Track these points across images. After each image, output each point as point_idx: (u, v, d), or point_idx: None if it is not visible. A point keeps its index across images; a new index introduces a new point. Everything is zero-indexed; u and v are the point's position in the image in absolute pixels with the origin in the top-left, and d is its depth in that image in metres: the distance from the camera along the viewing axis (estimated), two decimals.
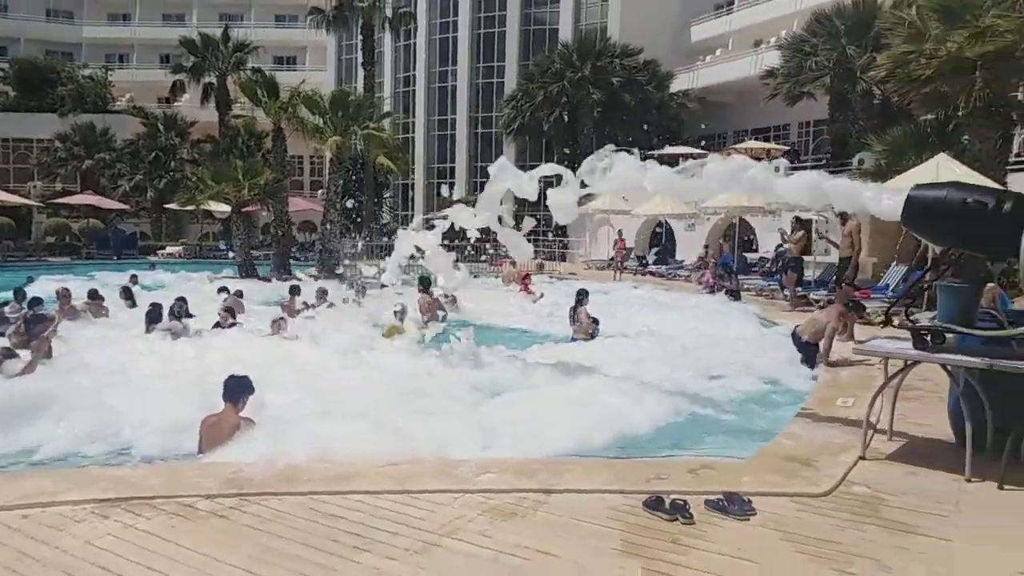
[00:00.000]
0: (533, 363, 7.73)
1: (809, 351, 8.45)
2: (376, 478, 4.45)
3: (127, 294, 13.59)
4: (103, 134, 38.13)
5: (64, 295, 11.44)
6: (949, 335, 4.85)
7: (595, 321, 10.85)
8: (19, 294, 11.32)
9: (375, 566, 3.41)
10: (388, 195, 41.46)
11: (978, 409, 4.92)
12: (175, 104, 39.48)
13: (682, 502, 4.08)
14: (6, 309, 10.46)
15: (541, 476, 4.48)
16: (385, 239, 26.87)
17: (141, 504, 4.05)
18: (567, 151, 28.71)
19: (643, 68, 33.57)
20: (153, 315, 10.02)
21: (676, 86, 35.29)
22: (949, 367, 5.04)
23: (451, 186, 10.39)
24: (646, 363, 8.10)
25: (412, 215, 41.71)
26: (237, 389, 5.49)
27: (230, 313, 10.33)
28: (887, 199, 5.16)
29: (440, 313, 12.31)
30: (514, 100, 34.85)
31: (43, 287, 13.88)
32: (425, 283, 12.19)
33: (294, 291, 13.78)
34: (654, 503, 4.11)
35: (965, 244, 4.75)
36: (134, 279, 16.40)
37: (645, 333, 10.82)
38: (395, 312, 11.04)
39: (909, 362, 5.13)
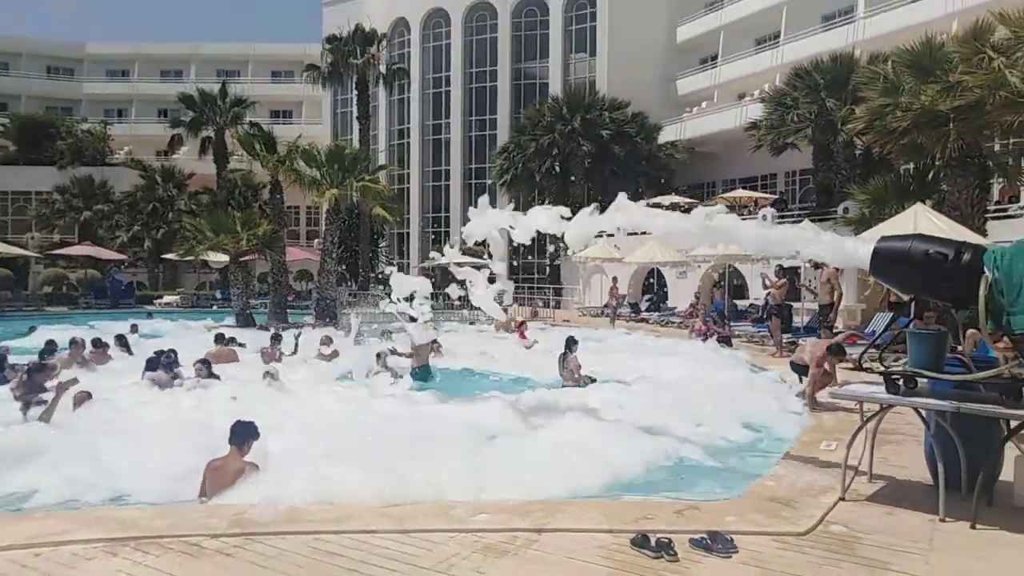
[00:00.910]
0: (526, 408, 7.92)
1: (806, 370, 9.08)
2: (375, 518, 4.63)
3: (123, 342, 13.75)
4: (101, 186, 38.71)
5: (78, 344, 11.69)
6: (922, 379, 5.11)
7: (584, 374, 11.12)
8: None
9: None
10: (384, 244, 41.94)
11: (951, 451, 5.15)
12: (173, 157, 40.19)
13: (667, 540, 4.27)
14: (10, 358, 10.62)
15: (534, 516, 4.68)
16: (381, 287, 27.17)
17: (149, 543, 4.22)
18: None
19: (631, 120, 34.45)
20: (152, 363, 10.19)
21: (664, 137, 36.17)
22: (920, 410, 5.29)
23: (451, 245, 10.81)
24: (636, 408, 8.29)
25: (408, 263, 42.51)
26: (243, 434, 5.67)
27: (205, 365, 10.35)
28: (861, 249, 5.47)
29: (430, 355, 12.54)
30: (506, 152, 35.63)
31: (43, 336, 14.03)
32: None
33: (275, 340, 13.97)
34: (641, 541, 4.30)
35: (929, 293, 5.05)
36: (134, 328, 16.60)
37: (636, 379, 11.05)
38: (378, 356, 11.37)
39: (884, 406, 5.37)
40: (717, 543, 4.31)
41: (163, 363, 10.44)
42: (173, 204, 37.46)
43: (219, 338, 13.83)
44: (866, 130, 16.56)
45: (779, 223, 21.72)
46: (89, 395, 8.08)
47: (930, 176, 16.42)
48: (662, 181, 35.28)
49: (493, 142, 40.56)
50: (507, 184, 35.56)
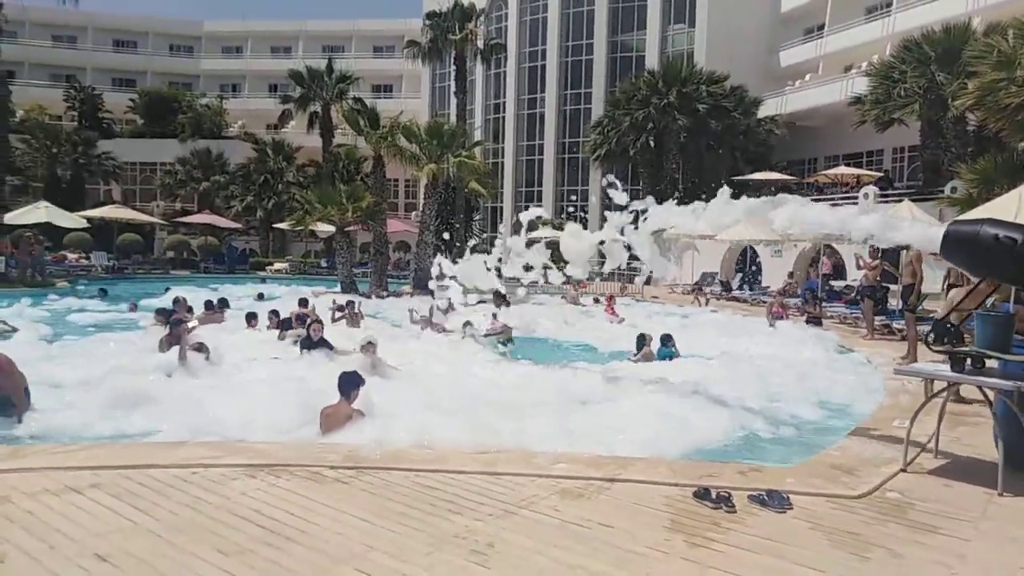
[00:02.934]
0: (611, 377, 8.43)
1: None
2: (466, 461, 5.32)
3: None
4: (218, 158, 41.49)
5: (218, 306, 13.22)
6: (990, 360, 5.30)
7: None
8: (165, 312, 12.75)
9: (465, 524, 4.25)
10: (478, 217, 42.99)
11: (1015, 431, 5.32)
12: (282, 131, 42.52)
13: (727, 494, 4.73)
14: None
15: (607, 468, 5.23)
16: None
17: (280, 469, 5.06)
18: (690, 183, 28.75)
19: (730, 94, 33.74)
20: (286, 323, 11.35)
21: (764, 111, 35.24)
22: (986, 390, 5.47)
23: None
24: (715, 382, 8.65)
25: (500, 236, 43.39)
26: (349, 383, 6.51)
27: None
28: (932, 232, 5.65)
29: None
30: (600, 126, 35.66)
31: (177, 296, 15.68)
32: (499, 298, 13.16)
33: (302, 303, 14.80)
34: (702, 493, 4.78)
35: (997, 275, 5.21)
36: (260, 297, 18.12)
37: (718, 355, 11.34)
38: (464, 326, 12.19)
39: (950, 384, 5.57)
40: (773, 500, 4.73)
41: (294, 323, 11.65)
42: (282, 176, 39.78)
43: (208, 304, 14.63)
44: (977, 105, 15.90)
45: (881, 202, 21.14)
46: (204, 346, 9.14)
47: None
48: (759, 156, 34.49)
49: (587, 116, 40.59)
50: (601, 159, 35.65)
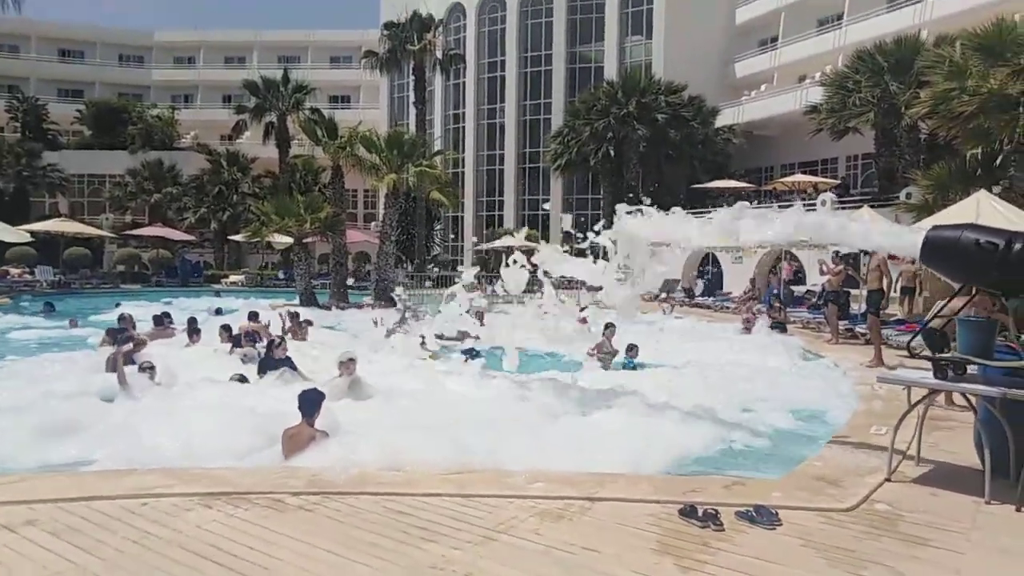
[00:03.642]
0: (581, 388, 8.19)
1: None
2: (438, 483, 5.01)
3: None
4: (170, 170, 40.36)
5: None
6: (971, 366, 5.21)
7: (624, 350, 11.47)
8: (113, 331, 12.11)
9: (441, 554, 3.95)
10: (439, 227, 42.63)
11: (999, 437, 5.24)
12: (237, 141, 41.57)
13: (714, 511, 4.52)
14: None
15: (586, 486, 4.99)
16: (436, 269, 27.72)
17: (239, 498, 4.69)
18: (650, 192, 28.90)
19: (688, 104, 34.13)
20: (237, 340, 10.82)
21: (721, 121, 35.74)
22: (969, 396, 5.38)
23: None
24: (686, 392, 8.50)
25: (461, 245, 43.11)
26: (309, 402, 6.12)
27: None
28: (909, 237, 5.58)
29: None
30: (560, 136, 35.73)
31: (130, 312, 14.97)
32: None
33: (252, 317, 14.28)
34: (688, 511, 4.57)
35: (978, 281, 5.13)
36: (219, 311, 17.42)
37: (686, 363, 11.24)
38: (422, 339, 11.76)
39: (931, 391, 5.48)
40: (762, 516, 4.54)
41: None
42: (237, 187, 38.89)
43: (158, 320, 14.01)
44: (930, 114, 16.19)
45: (838, 208, 21.48)
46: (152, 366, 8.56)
47: (997, 162, 15.96)
48: (718, 165, 34.91)
49: (548, 126, 40.66)
50: (561, 168, 35.68)
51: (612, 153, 33.78)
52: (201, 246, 39.86)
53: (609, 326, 11.70)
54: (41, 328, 16.27)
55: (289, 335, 12.72)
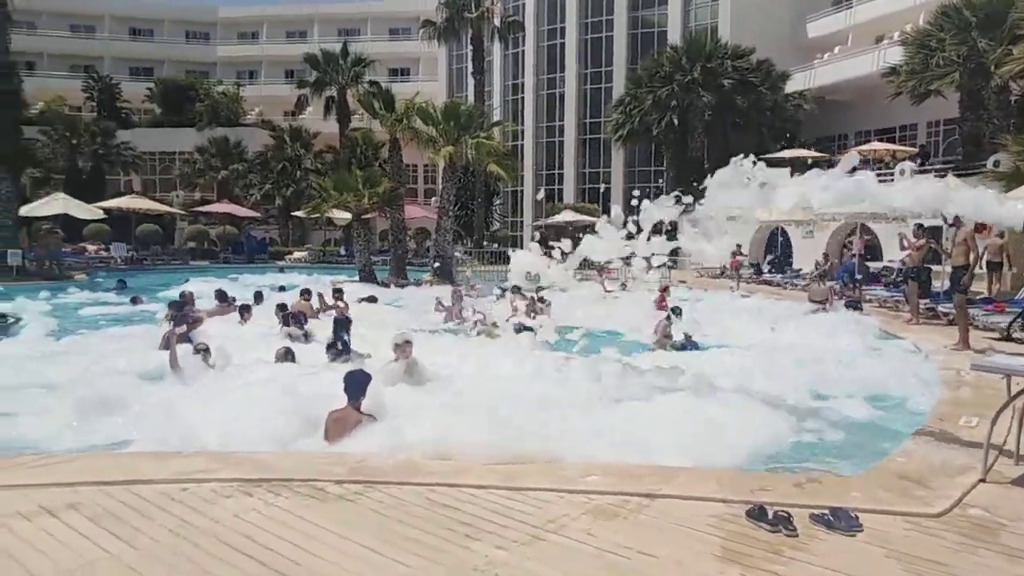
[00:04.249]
0: (643, 371, 7.78)
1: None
2: (486, 473, 4.75)
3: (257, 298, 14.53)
4: (236, 146, 41.15)
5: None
6: None
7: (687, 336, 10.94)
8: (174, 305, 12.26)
9: (485, 554, 3.68)
10: (498, 202, 42.33)
11: None
12: (300, 117, 42.07)
13: (785, 514, 4.12)
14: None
15: (645, 481, 4.63)
16: (495, 245, 27.53)
17: (280, 485, 4.53)
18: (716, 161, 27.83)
19: (756, 68, 32.69)
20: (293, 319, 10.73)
21: (792, 86, 34.14)
22: None
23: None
24: (753, 375, 8.00)
25: (521, 221, 42.73)
26: (356, 384, 5.92)
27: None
28: (1010, 207, 4.97)
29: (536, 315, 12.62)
30: (622, 105, 34.76)
31: (197, 287, 15.29)
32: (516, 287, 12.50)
33: (304, 295, 14.09)
34: (757, 513, 4.17)
35: None
36: (283, 289, 17.57)
37: (754, 344, 10.70)
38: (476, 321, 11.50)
39: None
40: (840, 520, 4.11)
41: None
42: (300, 163, 39.39)
43: (221, 296, 14.06)
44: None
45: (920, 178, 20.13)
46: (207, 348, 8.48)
47: None
48: (788, 134, 33.43)
49: (609, 95, 39.66)
50: (623, 139, 34.79)
51: (676, 122, 32.71)
52: (266, 222, 40.67)
53: (676, 312, 11.20)
54: (112, 304, 16.74)
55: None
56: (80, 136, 39.79)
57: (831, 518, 4.13)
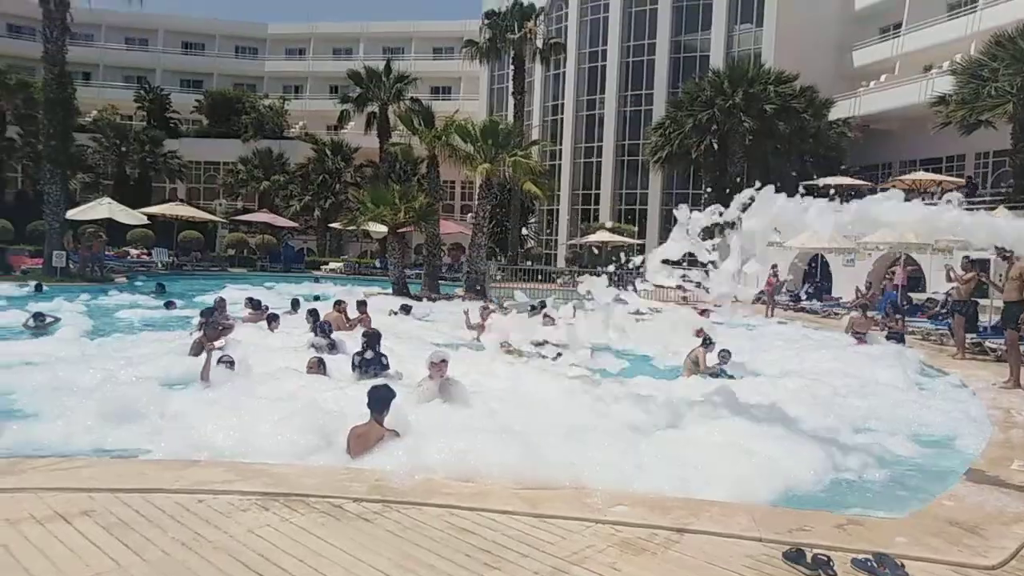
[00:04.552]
0: (674, 398, 7.52)
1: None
2: (509, 498, 4.57)
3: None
4: (279, 158, 41.89)
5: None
6: None
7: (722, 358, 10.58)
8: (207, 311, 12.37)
9: None
10: (533, 220, 42.30)
11: None
12: (341, 132, 42.61)
13: (825, 558, 3.87)
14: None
15: (675, 514, 4.41)
16: (528, 263, 27.39)
17: (297, 501, 4.41)
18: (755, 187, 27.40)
19: (799, 95, 32.21)
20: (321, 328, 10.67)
21: (835, 113, 33.58)
22: None
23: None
24: (790, 407, 7.68)
25: (555, 239, 42.60)
26: (380, 399, 5.79)
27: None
28: None
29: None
30: (662, 127, 34.52)
31: (232, 295, 15.44)
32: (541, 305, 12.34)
33: (338, 305, 13.98)
34: (795, 555, 3.93)
35: None
36: (317, 299, 17.65)
37: (791, 375, 10.35)
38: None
39: None
40: (885, 567, 3.85)
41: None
42: (340, 176, 39.94)
43: (254, 304, 14.00)
44: None
45: (968, 210, 19.51)
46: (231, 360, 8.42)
47: None
48: (830, 160, 32.79)
49: (648, 118, 39.42)
50: (661, 161, 34.52)
51: (715, 146, 32.34)
52: (304, 233, 41.22)
53: (708, 342, 10.83)
54: (148, 308, 16.98)
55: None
56: (129, 144, 40.87)
57: (875, 564, 3.86)
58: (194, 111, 49.88)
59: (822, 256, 25.47)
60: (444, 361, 7.51)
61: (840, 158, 33.44)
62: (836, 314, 20.31)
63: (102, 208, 27.90)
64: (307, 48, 58.29)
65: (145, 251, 32.33)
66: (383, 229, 24.94)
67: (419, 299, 21.15)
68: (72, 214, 26.11)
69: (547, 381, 8.69)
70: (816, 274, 26.78)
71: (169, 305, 16.37)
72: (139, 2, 24.00)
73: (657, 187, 39.81)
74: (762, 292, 22.64)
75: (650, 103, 40.70)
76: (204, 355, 7.95)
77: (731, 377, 10.41)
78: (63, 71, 23.39)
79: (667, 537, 4.14)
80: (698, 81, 34.45)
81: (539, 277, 27.66)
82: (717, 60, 37.87)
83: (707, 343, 10.84)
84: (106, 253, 26.84)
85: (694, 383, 8.99)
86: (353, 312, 13.17)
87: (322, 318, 11.46)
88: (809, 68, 33.23)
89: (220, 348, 8.59)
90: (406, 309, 16.34)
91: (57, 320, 12.84)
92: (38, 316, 12.67)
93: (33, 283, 19.53)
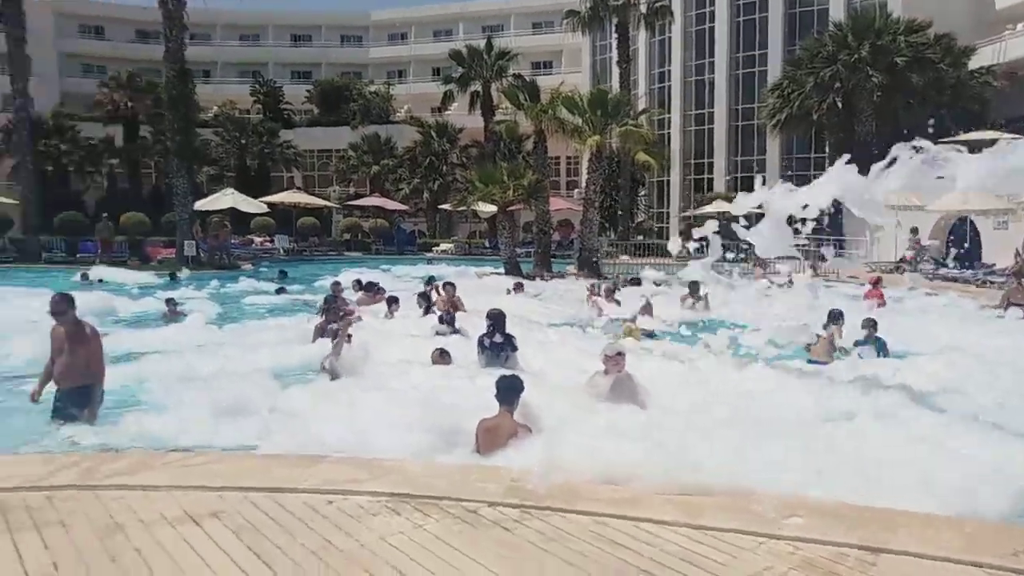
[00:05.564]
0: (838, 382, 6.63)
1: None
2: (663, 506, 4.04)
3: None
4: (386, 143, 42.63)
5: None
6: None
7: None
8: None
9: None
10: (643, 192, 41.09)
11: None
12: (446, 113, 42.82)
13: None
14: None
15: (865, 528, 3.73)
16: (640, 237, 26.46)
17: (430, 504, 4.07)
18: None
19: (934, 44, 29.26)
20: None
21: (977, 61, 30.30)
22: None
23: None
24: (969, 391, 6.70)
25: (667, 212, 41.18)
26: (510, 390, 5.39)
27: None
28: None
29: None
30: (779, 89, 32.34)
31: (345, 279, 15.64)
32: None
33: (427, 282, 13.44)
34: None
35: None
36: (430, 280, 17.65)
37: (950, 352, 9.15)
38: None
39: None
40: None
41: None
42: (447, 158, 40.20)
43: (368, 286, 13.88)
44: None
45: None
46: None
47: None
48: (972, 114, 29.68)
49: (763, 79, 37.13)
50: (780, 125, 32.44)
51: (840, 105, 29.97)
52: (415, 215, 41.90)
53: (836, 317, 9.67)
54: (272, 294, 17.47)
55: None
56: (248, 136, 42.72)
57: None
58: (305, 101, 51.56)
59: (970, 219, 23.09)
60: (621, 354, 6.81)
61: (984, 111, 30.22)
62: (993, 283, 18.31)
63: (226, 198, 29.24)
64: (408, 32, 58.94)
65: (268, 238, 33.72)
66: (492, 209, 24.74)
67: (532, 278, 20.80)
68: (199, 205, 27.50)
69: (676, 364, 8.07)
70: (965, 238, 24.32)
71: (280, 291, 16.77)
72: None
73: (775, 152, 37.58)
74: (902, 260, 20.87)
75: (764, 64, 38.35)
76: (329, 342, 7.85)
77: (881, 355, 9.30)
78: (183, 68, 24.49)
79: (859, 558, 3.48)
80: (818, 36, 32.01)
81: (652, 251, 26.68)
82: (837, 12, 35.08)
83: (836, 318, 9.74)
84: (232, 241, 28.11)
85: (850, 365, 8.05)
86: (437, 295, 12.67)
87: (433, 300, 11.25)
88: (943, 15, 30.18)
89: (349, 336, 8.33)
90: (520, 287, 16.03)
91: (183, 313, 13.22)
92: (170, 302, 13.16)
93: (168, 273, 20.64)
